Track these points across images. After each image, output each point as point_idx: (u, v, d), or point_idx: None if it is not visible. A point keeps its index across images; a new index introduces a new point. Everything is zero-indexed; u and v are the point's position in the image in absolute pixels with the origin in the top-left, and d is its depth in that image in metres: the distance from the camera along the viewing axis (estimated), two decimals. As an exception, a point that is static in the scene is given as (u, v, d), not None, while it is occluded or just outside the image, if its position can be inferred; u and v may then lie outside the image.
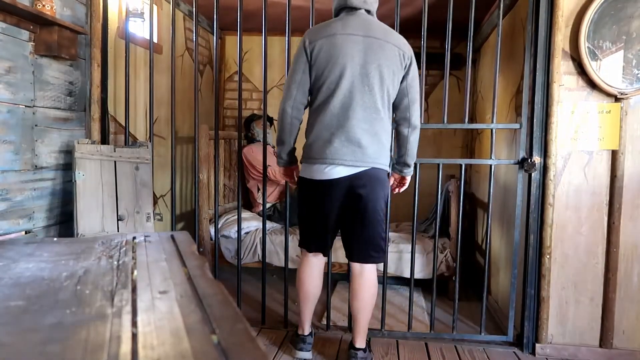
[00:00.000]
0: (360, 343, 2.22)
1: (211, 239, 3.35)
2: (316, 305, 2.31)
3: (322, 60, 1.98)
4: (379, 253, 2.13)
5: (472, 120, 4.07)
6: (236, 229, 2.93)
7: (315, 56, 1.98)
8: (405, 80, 2.04)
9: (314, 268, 2.23)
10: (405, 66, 2.02)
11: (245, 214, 3.59)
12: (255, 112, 4.37)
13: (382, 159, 2.03)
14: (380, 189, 2.05)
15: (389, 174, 2.14)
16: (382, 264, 2.47)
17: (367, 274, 2.14)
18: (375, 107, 1.99)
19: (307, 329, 2.31)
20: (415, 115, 2.08)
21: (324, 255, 2.26)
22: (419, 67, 2.25)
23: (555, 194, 2.35)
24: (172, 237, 1.37)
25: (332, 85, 1.98)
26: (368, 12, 2.06)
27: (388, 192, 2.14)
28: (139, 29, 3.12)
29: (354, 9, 2.03)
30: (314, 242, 2.19)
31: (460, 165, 2.53)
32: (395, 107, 2.09)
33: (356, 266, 2.14)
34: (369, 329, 2.51)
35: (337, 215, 2.09)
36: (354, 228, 2.08)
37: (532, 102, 2.37)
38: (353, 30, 1.97)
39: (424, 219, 3.73)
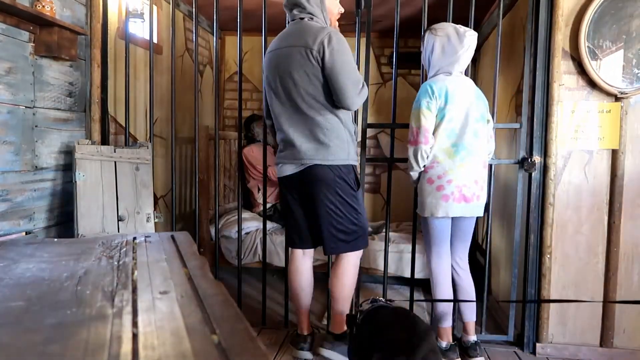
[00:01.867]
0: (332, 327, 2.28)
1: (211, 239, 3.35)
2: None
3: (265, 75, 2.23)
4: (338, 244, 2.18)
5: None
6: (236, 229, 2.93)
7: (264, 70, 2.24)
8: (324, 71, 2.04)
9: (298, 263, 2.29)
10: (318, 60, 2.03)
11: (245, 214, 3.59)
12: (255, 112, 4.36)
13: (322, 155, 2.08)
14: (326, 184, 2.11)
15: (342, 166, 2.12)
16: (384, 263, 2.50)
17: (339, 261, 2.23)
18: (299, 111, 2.10)
19: (305, 329, 2.32)
20: (350, 100, 2.04)
21: (305, 249, 2.29)
22: (418, 67, 2.23)
23: (555, 193, 2.35)
24: (173, 237, 1.37)
25: (270, 96, 2.20)
26: (311, 17, 2.12)
27: (343, 186, 2.13)
28: (139, 30, 3.12)
29: (293, 19, 2.17)
30: (290, 237, 2.32)
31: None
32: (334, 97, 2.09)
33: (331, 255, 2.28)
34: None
35: (300, 211, 2.23)
36: (313, 222, 2.21)
37: (532, 102, 2.37)
38: (275, 45, 2.16)
39: (424, 218, 3.72)
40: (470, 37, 2.15)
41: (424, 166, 2.20)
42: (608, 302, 2.34)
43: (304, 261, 2.30)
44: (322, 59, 2.02)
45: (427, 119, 2.15)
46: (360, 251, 2.26)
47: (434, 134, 2.17)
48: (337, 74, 2.02)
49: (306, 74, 2.05)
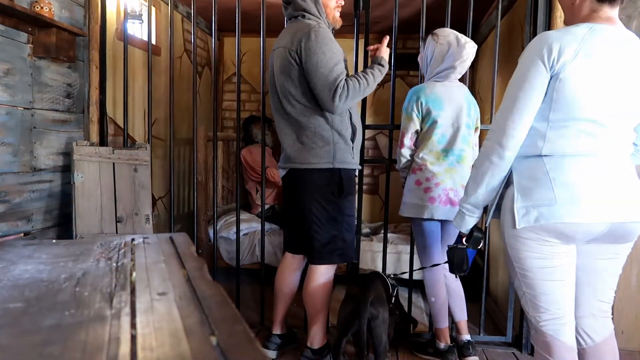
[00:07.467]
0: (310, 341, 2.21)
1: (210, 241, 3.35)
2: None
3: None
4: (313, 253, 2.10)
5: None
6: (235, 230, 2.93)
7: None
8: (305, 71, 1.95)
9: (285, 265, 2.30)
10: (297, 60, 1.95)
11: (243, 215, 3.59)
12: (254, 113, 4.36)
13: (304, 158, 2.02)
14: (305, 189, 2.05)
15: (324, 170, 2.03)
16: (382, 264, 2.48)
17: (310, 273, 2.15)
18: (284, 112, 2.07)
19: (277, 328, 2.34)
20: (326, 104, 1.93)
21: (295, 254, 2.27)
22: (417, 69, 2.22)
23: (553, 194, 2.35)
24: (171, 238, 1.37)
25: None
26: (303, 14, 2.03)
27: (324, 192, 2.04)
28: (137, 31, 3.12)
29: (289, 19, 2.13)
30: (285, 239, 2.35)
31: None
32: None
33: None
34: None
35: (292, 215, 2.19)
36: (299, 228, 2.16)
37: (530, 103, 2.37)
38: (273, 47, 2.12)
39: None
40: (470, 48, 2.17)
41: (404, 168, 2.29)
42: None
43: (290, 263, 2.28)
44: (300, 58, 1.94)
45: (407, 124, 2.23)
46: (334, 266, 2.15)
47: (424, 138, 2.22)
48: (311, 77, 1.93)
49: (289, 76, 1.99)
